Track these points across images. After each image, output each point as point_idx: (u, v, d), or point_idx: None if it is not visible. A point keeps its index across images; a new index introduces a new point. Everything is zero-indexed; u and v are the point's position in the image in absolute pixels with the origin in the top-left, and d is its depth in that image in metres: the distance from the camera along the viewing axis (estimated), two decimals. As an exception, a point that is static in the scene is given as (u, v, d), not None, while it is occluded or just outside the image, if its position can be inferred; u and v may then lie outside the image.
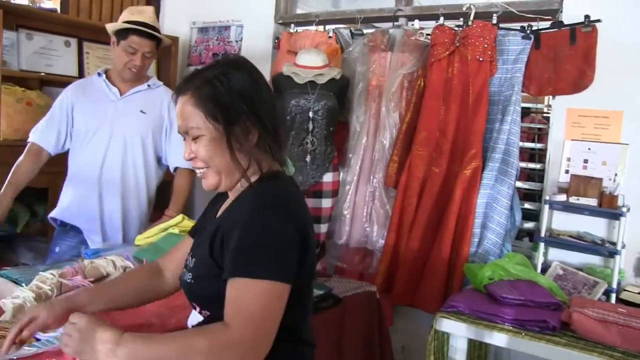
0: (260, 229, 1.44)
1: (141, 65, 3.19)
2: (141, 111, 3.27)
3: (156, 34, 3.18)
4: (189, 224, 2.94)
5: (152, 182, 3.38)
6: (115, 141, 3.21)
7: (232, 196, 1.65)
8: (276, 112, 1.65)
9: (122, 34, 3.13)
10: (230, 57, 1.69)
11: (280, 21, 4.40)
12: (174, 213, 3.25)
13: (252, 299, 1.37)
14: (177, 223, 2.94)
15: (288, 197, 1.57)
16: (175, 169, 3.40)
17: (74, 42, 4.25)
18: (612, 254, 3.06)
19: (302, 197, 1.69)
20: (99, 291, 1.79)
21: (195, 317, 1.63)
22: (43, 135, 3.23)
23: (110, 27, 3.18)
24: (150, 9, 3.27)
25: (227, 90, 1.54)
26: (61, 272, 2.24)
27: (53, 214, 3.32)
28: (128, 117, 3.24)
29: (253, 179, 1.59)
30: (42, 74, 4.01)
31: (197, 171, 1.63)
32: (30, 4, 4.33)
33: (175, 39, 4.72)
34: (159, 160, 3.40)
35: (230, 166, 1.56)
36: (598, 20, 3.16)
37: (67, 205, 3.27)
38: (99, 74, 3.30)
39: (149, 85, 3.34)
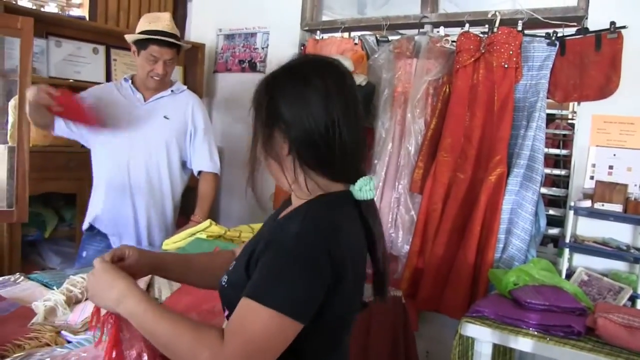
0: (290, 258, 1.34)
1: (164, 73, 3.23)
2: (165, 117, 3.31)
3: (175, 41, 3.22)
4: (216, 229, 2.96)
5: (177, 187, 3.41)
6: (139, 146, 3.25)
7: (293, 205, 1.55)
8: (334, 130, 1.42)
9: (142, 44, 3.17)
10: (300, 59, 1.54)
11: (306, 28, 4.44)
12: (201, 218, 3.28)
13: (256, 324, 1.30)
14: (205, 228, 2.96)
15: (336, 229, 1.41)
16: (199, 173, 3.44)
17: (101, 49, 4.31)
18: (638, 259, 3.05)
19: (356, 229, 1.52)
20: (182, 260, 1.79)
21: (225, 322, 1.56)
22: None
23: (130, 38, 3.22)
24: (166, 15, 3.29)
25: (265, 94, 1.45)
26: (90, 276, 2.28)
27: (87, 222, 3.34)
28: (152, 123, 3.28)
29: (305, 195, 1.48)
30: (71, 80, 4.06)
31: None
32: (60, 12, 4.40)
33: (201, 46, 4.77)
34: (183, 164, 3.44)
35: (273, 170, 1.50)
36: (624, 27, 3.15)
37: (97, 212, 3.29)
38: (125, 79, 3.35)
39: (172, 91, 3.38)
